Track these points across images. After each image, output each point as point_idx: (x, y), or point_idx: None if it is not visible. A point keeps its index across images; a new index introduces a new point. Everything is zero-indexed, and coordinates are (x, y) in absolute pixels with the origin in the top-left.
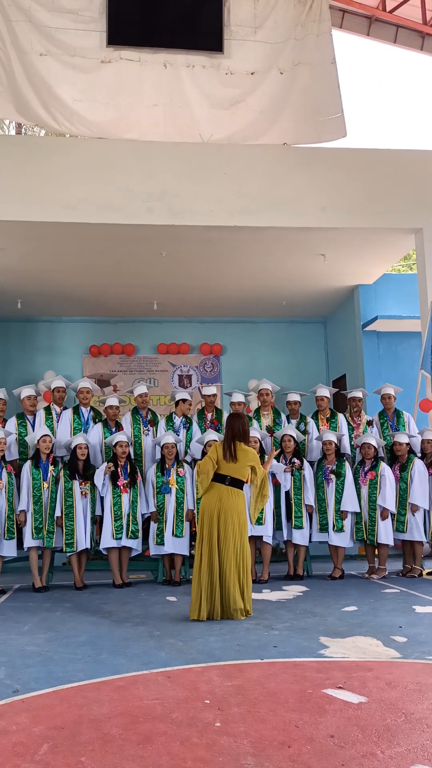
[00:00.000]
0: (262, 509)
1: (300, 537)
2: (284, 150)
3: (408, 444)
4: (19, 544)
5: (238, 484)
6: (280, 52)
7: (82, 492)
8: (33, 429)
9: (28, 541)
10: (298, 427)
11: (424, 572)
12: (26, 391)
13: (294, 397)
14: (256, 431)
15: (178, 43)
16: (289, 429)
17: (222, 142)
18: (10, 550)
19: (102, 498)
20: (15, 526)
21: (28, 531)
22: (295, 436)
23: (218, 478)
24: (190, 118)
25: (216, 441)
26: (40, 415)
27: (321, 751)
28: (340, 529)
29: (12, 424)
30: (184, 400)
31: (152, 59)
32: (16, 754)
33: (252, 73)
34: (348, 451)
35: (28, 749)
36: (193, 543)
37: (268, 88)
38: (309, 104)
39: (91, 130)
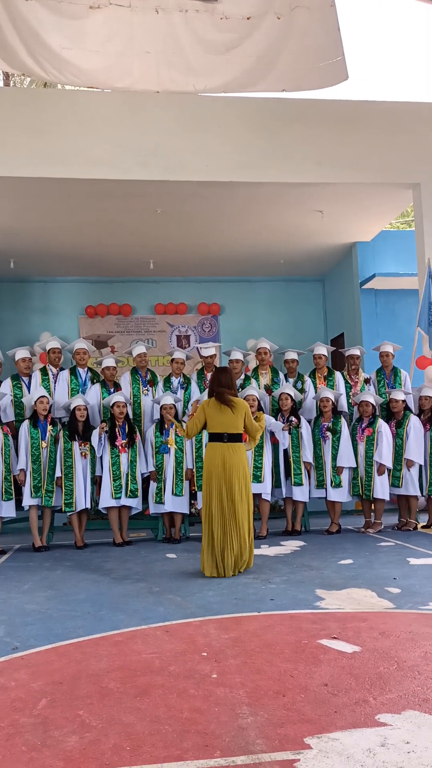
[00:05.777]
0: (260, 464)
1: (300, 494)
2: (279, 102)
3: (404, 401)
4: (18, 504)
5: (236, 438)
6: None
7: (81, 453)
8: (28, 390)
9: (27, 500)
10: (295, 386)
11: (419, 525)
12: (21, 353)
13: (291, 355)
14: (254, 390)
15: None
16: (287, 387)
17: (218, 90)
18: (8, 510)
19: (101, 458)
20: (13, 487)
21: (27, 490)
22: (292, 395)
23: (215, 437)
24: (185, 65)
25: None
26: (36, 376)
27: (315, 699)
28: (338, 485)
29: (7, 385)
30: (173, 360)
31: (143, 4)
32: (14, 710)
33: (248, 18)
34: (345, 409)
35: (26, 704)
36: (192, 501)
37: (265, 33)
38: (308, 49)
39: (81, 78)
